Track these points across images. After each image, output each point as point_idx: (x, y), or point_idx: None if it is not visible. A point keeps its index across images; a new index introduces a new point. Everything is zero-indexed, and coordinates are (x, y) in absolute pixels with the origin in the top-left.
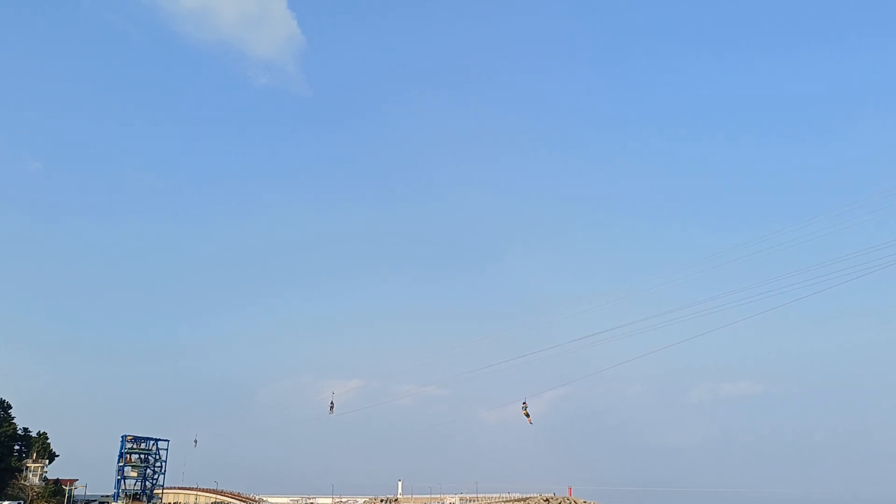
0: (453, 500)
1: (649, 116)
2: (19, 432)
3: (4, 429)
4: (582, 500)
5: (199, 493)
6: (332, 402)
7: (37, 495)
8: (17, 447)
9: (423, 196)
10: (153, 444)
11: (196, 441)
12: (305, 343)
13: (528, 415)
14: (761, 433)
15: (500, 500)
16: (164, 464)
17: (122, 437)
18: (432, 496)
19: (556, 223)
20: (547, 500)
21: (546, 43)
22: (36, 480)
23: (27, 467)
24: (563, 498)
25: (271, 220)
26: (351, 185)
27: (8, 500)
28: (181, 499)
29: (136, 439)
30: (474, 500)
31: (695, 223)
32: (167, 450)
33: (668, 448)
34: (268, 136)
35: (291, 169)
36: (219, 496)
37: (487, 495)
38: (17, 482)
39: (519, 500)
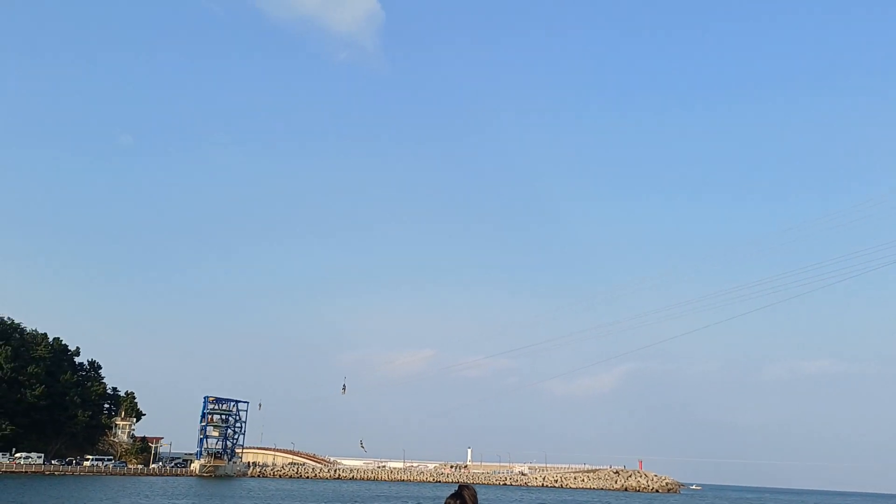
0: (522, 468)
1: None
2: (109, 392)
3: (95, 388)
4: (652, 474)
5: (276, 453)
6: (343, 385)
7: (125, 451)
8: (106, 406)
9: (494, 161)
10: (233, 406)
11: (260, 405)
12: (377, 314)
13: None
14: (841, 413)
15: (570, 470)
16: (243, 424)
17: (205, 398)
18: (501, 464)
19: (625, 189)
20: (617, 472)
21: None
22: (124, 437)
23: (116, 425)
24: (634, 471)
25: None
26: (424, 154)
27: (99, 455)
28: (259, 458)
29: (218, 400)
30: (543, 470)
31: (772, 196)
32: (247, 411)
33: (742, 426)
34: (344, 103)
35: (365, 132)
36: (295, 457)
37: (556, 465)
38: (107, 438)
39: (588, 471)
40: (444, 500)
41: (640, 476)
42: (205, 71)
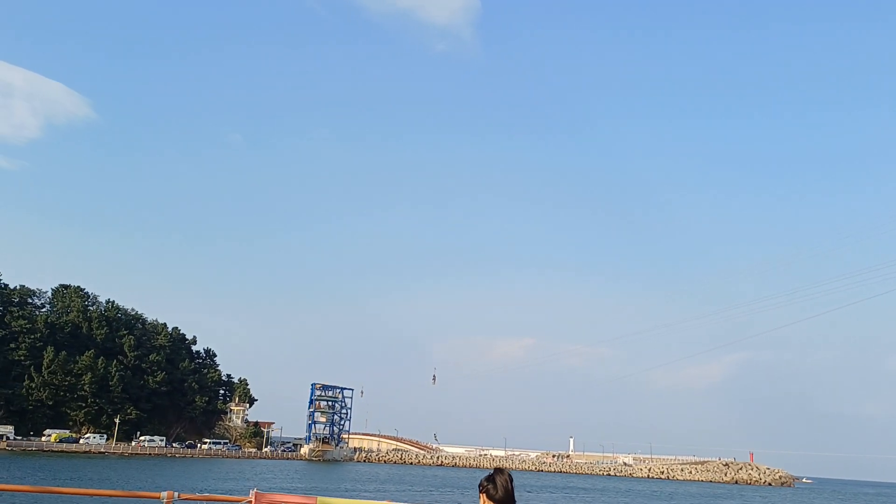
0: (626, 458)
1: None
2: (223, 378)
3: (211, 375)
4: (765, 467)
5: (380, 439)
6: (434, 375)
7: (239, 435)
8: (221, 392)
9: (597, 146)
10: (339, 392)
11: (362, 392)
12: (476, 301)
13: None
14: None
15: (676, 462)
16: (349, 411)
17: (312, 385)
18: (604, 454)
19: (736, 179)
20: (727, 464)
21: None
22: (238, 422)
23: (231, 410)
24: (745, 463)
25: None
26: (525, 143)
27: (215, 439)
28: (365, 444)
29: (325, 387)
30: (648, 461)
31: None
32: (352, 398)
33: (863, 417)
34: (444, 93)
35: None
36: (399, 443)
37: (662, 457)
38: (222, 423)
39: (696, 462)
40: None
41: (752, 469)
42: (307, 69)
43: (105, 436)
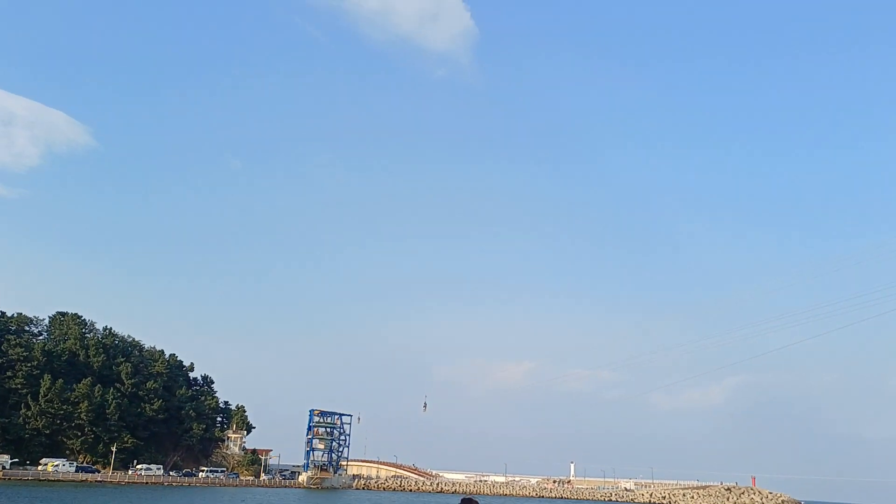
0: (628, 484)
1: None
2: (221, 405)
3: (208, 402)
4: (767, 491)
5: (380, 465)
6: (425, 403)
7: (237, 463)
8: (219, 419)
9: (593, 172)
10: (338, 419)
11: (359, 418)
12: (475, 325)
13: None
14: None
15: (678, 486)
16: (347, 437)
17: (310, 411)
18: (606, 479)
19: (734, 208)
20: (728, 488)
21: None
22: (236, 449)
23: (228, 437)
24: (747, 488)
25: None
26: (525, 168)
27: (213, 467)
28: (364, 471)
29: (323, 413)
30: (650, 486)
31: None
32: (350, 424)
33: (867, 439)
34: (445, 118)
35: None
36: (398, 469)
37: (664, 481)
38: (220, 450)
39: (698, 487)
40: None
41: (754, 493)
42: (307, 95)
43: (73, 463)
